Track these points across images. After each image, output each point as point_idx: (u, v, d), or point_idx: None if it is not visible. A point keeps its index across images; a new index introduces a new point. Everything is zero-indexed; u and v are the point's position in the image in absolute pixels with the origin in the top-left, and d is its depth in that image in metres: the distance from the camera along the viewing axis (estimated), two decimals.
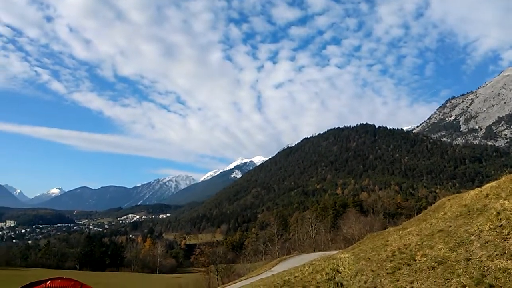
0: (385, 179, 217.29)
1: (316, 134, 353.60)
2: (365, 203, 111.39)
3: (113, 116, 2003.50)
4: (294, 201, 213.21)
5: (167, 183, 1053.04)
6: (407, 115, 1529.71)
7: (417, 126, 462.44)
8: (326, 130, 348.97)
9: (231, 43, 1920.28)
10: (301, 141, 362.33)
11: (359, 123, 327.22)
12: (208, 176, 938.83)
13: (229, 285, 26.34)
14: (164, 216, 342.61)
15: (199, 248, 74.93)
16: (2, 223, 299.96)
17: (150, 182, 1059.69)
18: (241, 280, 27.45)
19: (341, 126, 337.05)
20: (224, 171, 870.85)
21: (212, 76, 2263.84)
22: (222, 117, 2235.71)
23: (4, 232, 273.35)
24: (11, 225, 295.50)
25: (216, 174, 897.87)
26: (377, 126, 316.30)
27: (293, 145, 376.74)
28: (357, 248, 17.35)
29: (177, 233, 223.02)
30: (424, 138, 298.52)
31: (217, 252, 64.39)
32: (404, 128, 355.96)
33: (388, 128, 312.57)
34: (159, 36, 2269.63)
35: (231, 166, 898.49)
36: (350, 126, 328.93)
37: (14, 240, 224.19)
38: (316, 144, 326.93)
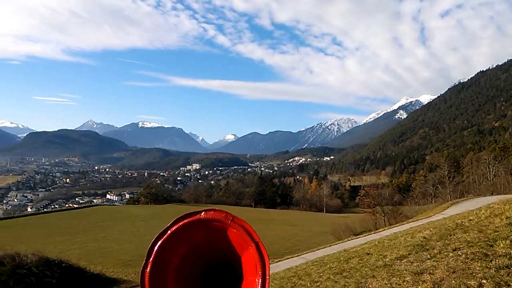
0: None
1: (494, 66, 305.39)
2: None
3: (273, 64, 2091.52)
4: (467, 141, 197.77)
5: (329, 127, 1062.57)
6: None
7: None
8: (506, 60, 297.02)
9: None
10: (475, 75, 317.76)
11: None
12: (370, 118, 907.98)
13: (396, 226, 25.83)
14: (328, 158, 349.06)
15: (363, 190, 74.89)
16: (189, 166, 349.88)
17: (313, 126, 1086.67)
18: (409, 222, 26.61)
19: None
20: (387, 112, 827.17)
21: (369, 12, 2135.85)
22: (382, 55, 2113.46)
23: (192, 173, 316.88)
24: (197, 168, 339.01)
25: (379, 115, 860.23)
26: None
27: (466, 80, 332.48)
28: None
29: (341, 174, 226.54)
30: None
31: (383, 194, 63.08)
32: None
33: None
34: None
35: (395, 106, 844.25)
36: None
37: (199, 181, 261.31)
38: (494, 77, 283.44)
